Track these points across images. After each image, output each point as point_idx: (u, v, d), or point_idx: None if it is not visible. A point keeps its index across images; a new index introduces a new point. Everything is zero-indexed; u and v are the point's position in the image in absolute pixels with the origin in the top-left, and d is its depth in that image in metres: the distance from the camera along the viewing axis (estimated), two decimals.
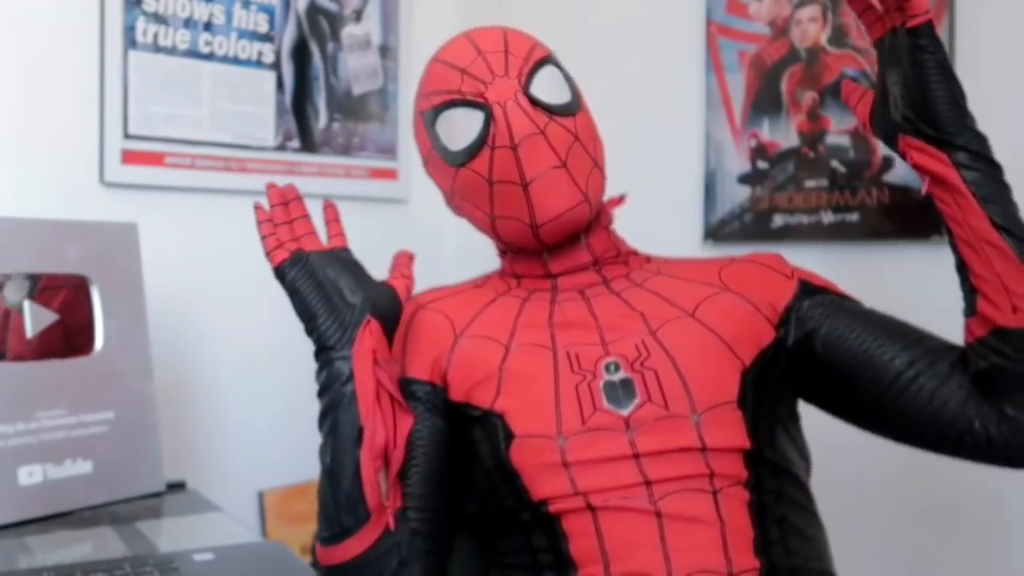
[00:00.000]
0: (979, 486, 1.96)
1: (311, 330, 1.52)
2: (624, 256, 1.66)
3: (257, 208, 1.55)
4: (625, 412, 1.43)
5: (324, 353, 1.51)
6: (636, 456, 1.40)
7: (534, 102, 1.52)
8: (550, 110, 1.53)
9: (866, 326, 1.51)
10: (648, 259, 1.70)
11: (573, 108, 1.56)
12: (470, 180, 1.57)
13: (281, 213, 1.56)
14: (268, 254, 1.52)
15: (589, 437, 1.42)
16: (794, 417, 1.59)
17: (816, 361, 1.52)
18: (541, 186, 1.50)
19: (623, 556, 1.38)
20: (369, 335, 1.46)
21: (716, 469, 1.40)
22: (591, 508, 1.40)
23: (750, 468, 1.43)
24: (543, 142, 1.49)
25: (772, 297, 1.56)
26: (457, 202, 1.66)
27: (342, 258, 1.58)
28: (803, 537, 1.46)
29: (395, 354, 1.62)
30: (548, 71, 1.57)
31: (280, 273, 1.51)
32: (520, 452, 1.44)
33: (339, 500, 1.43)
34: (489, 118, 1.52)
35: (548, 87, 1.56)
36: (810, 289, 1.57)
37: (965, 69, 2.00)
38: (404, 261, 1.66)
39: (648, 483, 1.39)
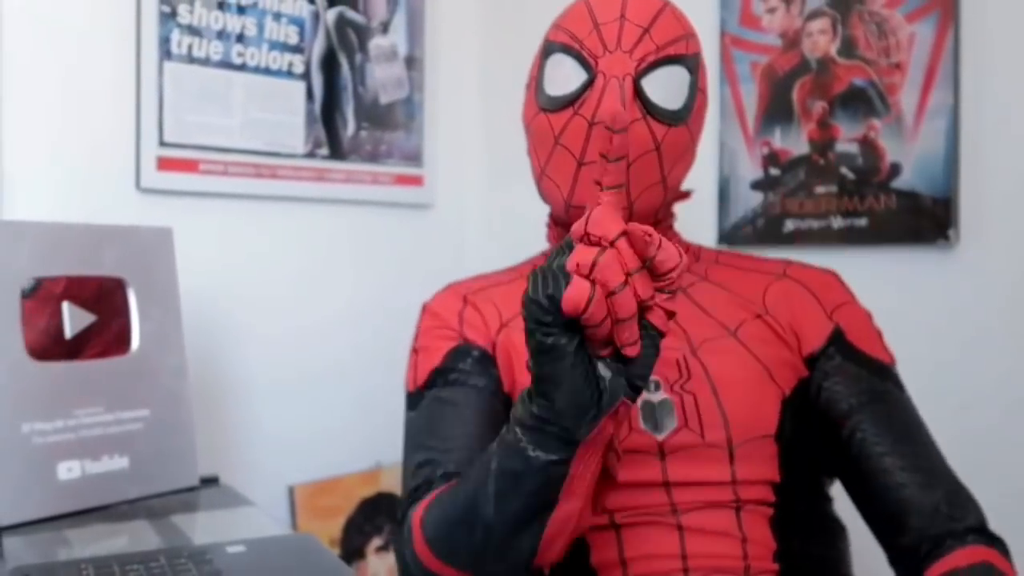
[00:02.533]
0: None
1: (549, 410, 1.11)
2: None
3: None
4: (660, 437, 1.39)
5: (542, 429, 1.14)
6: (666, 484, 1.37)
7: (638, 92, 1.43)
8: (650, 108, 1.43)
9: (892, 444, 1.40)
10: (699, 255, 1.63)
11: (676, 118, 1.45)
12: (543, 128, 1.51)
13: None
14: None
15: (622, 460, 1.39)
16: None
17: (821, 415, 1.46)
18: (591, 173, 1.42)
19: (642, 562, 1.36)
20: (612, 425, 1.15)
21: (743, 496, 1.37)
22: (615, 525, 1.39)
23: (778, 494, 1.40)
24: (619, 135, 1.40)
25: (804, 332, 1.49)
26: (528, 136, 1.59)
27: None
28: (825, 544, 1.44)
29: (449, 323, 1.60)
30: (675, 71, 1.46)
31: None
32: None
33: (493, 550, 1.25)
34: (589, 83, 1.44)
35: (665, 86, 1.45)
36: (845, 345, 1.47)
37: (969, 71, 1.99)
38: None
39: (674, 504, 1.37)
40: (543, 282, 1.04)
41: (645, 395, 1.41)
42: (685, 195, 1.62)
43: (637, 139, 1.42)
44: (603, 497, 1.28)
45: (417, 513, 1.39)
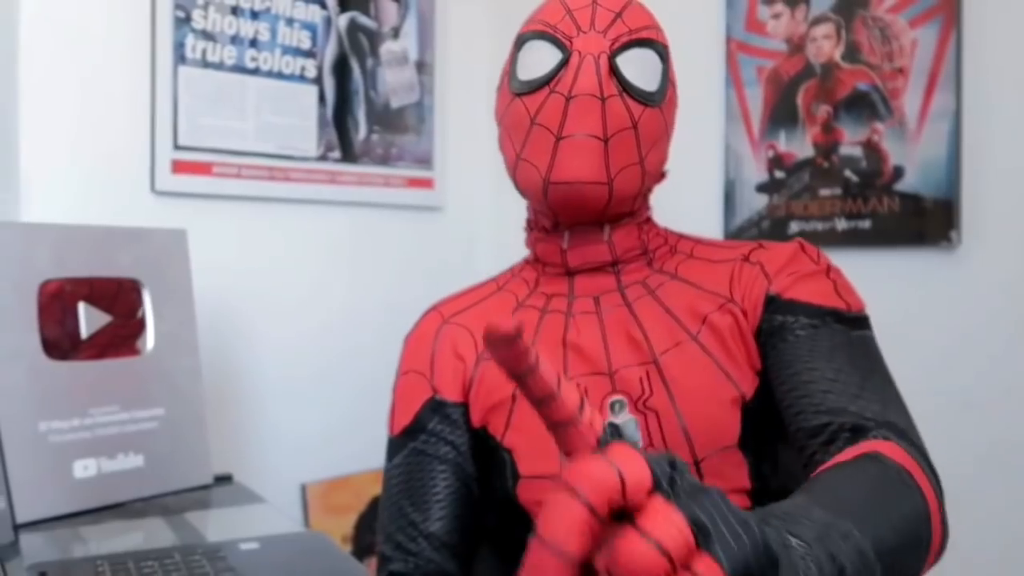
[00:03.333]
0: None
1: None
2: (650, 252, 1.51)
3: None
4: None
5: None
6: None
7: (614, 70, 1.39)
8: (626, 87, 1.38)
9: (815, 359, 1.31)
10: (675, 247, 1.55)
11: (651, 99, 1.41)
12: (518, 113, 1.45)
13: None
14: None
15: None
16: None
17: (766, 373, 1.38)
18: (571, 145, 1.37)
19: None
20: None
21: None
22: None
23: (753, 499, 1.37)
24: (598, 108, 1.36)
25: (751, 311, 1.41)
26: (501, 131, 1.53)
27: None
28: None
29: (422, 369, 1.57)
30: (648, 55, 1.42)
31: None
32: (527, 491, 1.41)
33: None
34: (564, 63, 1.40)
35: (640, 66, 1.41)
36: (780, 304, 1.39)
37: (971, 75, 2.00)
38: None
39: None
40: None
41: (610, 415, 1.39)
42: (661, 176, 1.54)
43: (615, 115, 1.38)
44: None
45: None
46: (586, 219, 1.45)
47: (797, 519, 0.82)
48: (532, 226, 1.56)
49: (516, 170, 1.48)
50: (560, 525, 0.62)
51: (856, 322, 1.37)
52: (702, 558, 0.61)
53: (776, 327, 1.37)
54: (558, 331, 1.48)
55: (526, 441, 1.42)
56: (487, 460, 1.50)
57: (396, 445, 1.56)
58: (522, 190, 1.49)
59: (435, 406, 1.54)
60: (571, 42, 1.40)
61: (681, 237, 1.58)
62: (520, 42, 1.48)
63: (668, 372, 1.39)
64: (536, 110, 1.42)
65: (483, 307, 1.60)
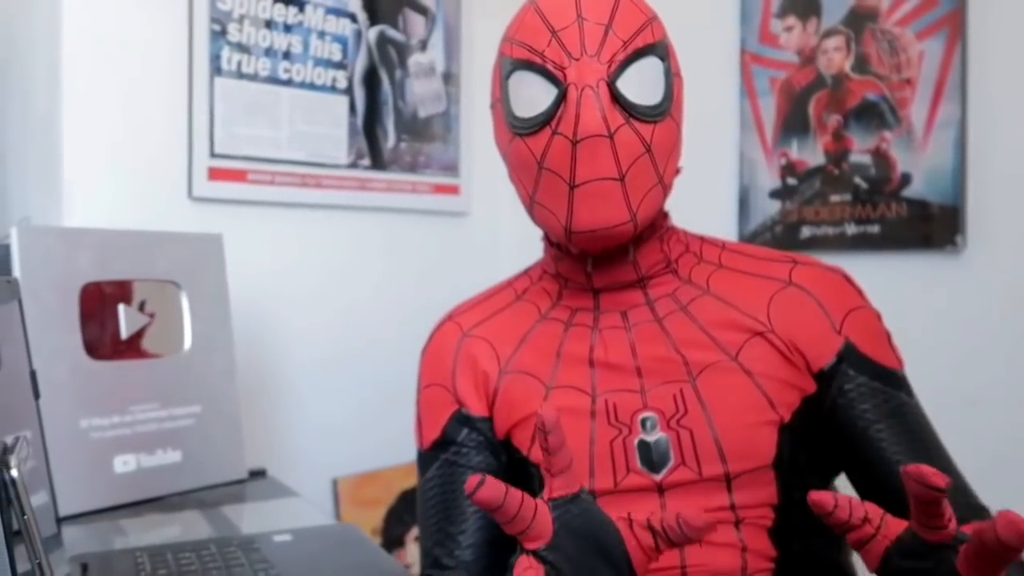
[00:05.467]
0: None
1: None
2: (673, 263, 1.42)
3: None
4: (658, 477, 1.31)
5: None
6: (662, 495, 1.32)
7: (616, 97, 1.26)
8: (632, 110, 1.27)
9: (898, 440, 1.30)
10: (701, 254, 1.46)
11: (660, 111, 1.30)
12: (522, 154, 1.33)
13: None
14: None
15: (621, 498, 1.33)
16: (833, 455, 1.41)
17: (837, 428, 1.34)
18: (588, 193, 1.27)
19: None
20: None
21: (743, 517, 1.31)
22: None
23: (778, 513, 1.33)
24: (607, 148, 1.25)
25: (810, 348, 1.35)
26: (508, 168, 1.42)
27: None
28: (826, 544, 1.37)
29: (443, 382, 1.51)
30: (648, 63, 1.30)
31: None
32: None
33: None
34: (562, 98, 1.26)
35: (641, 81, 1.29)
36: (855, 357, 1.34)
37: (976, 86, 1.99)
38: None
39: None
40: None
41: (642, 433, 1.33)
42: (676, 173, 1.43)
43: (627, 147, 1.27)
44: None
45: None
46: (614, 250, 1.37)
47: None
48: (552, 243, 1.47)
49: (532, 210, 1.38)
50: None
51: (907, 383, 1.37)
52: None
53: (853, 385, 1.33)
54: (584, 346, 1.41)
55: None
56: (514, 472, 1.46)
57: (427, 459, 1.52)
58: (541, 228, 1.40)
59: (462, 419, 1.48)
60: (564, 74, 1.27)
61: (704, 241, 1.49)
62: (507, 70, 1.35)
63: (704, 391, 1.33)
64: (541, 153, 1.31)
65: (502, 318, 1.53)
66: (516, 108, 1.33)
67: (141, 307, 1.86)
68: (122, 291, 1.84)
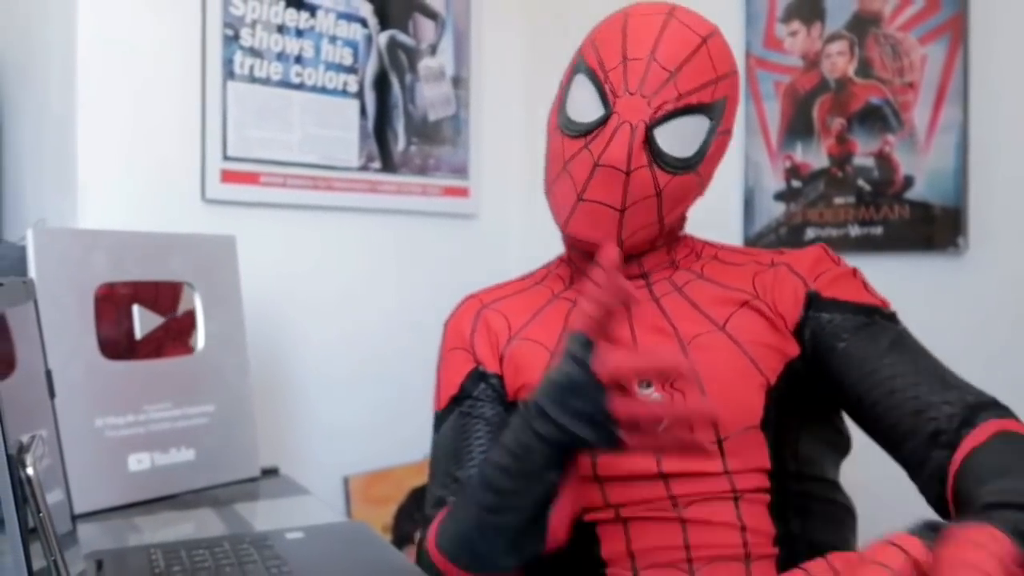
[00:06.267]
0: None
1: (577, 438, 1.19)
2: (677, 262, 1.52)
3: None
4: None
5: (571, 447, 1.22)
6: (663, 476, 1.35)
7: (648, 140, 1.34)
8: (658, 157, 1.35)
9: (881, 357, 1.31)
10: (700, 252, 1.54)
11: (685, 165, 1.37)
12: (556, 147, 1.44)
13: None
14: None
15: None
16: (823, 415, 1.45)
17: (818, 367, 1.38)
18: (588, 210, 1.38)
19: (648, 555, 1.35)
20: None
21: (739, 485, 1.34)
22: (622, 519, 1.37)
23: (773, 480, 1.36)
24: (620, 181, 1.34)
25: (787, 309, 1.41)
26: (546, 141, 1.50)
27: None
28: (826, 529, 1.40)
29: (464, 345, 1.59)
30: (694, 120, 1.36)
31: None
32: None
33: (499, 543, 1.28)
34: (603, 121, 1.35)
35: (679, 135, 1.36)
36: (822, 303, 1.39)
37: (978, 89, 1.99)
38: None
39: (673, 497, 1.35)
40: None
41: (638, 393, 1.38)
42: (682, 217, 1.55)
43: (638, 186, 1.35)
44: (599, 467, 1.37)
45: (431, 536, 1.40)
46: None
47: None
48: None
49: (548, 194, 1.49)
50: None
51: (894, 318, 1.39)
52: None
53: (825, 324, 1.37)
54: None
55: None
56: None
57: (442, 416, 1.58)
58: (551, 211, 1.49)
59: (479, 375, 1.55)
60: (615, 101, 1.35)
61: (706, 244, 1.57)
62: (577, 67, 1.44)
63: (695, 356, 1.38)
64: (569, 157, 1.40)
65: (519, 298, 1.62)
66: (569, 106, 1.42)
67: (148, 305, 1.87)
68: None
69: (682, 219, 1.54)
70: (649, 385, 1.39)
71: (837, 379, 1.35)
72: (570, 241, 1.52)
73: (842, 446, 1.50)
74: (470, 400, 1.54)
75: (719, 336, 1.40)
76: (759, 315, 1.41)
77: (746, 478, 1.34)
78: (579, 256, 1.55)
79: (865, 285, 1.43)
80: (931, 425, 1.21)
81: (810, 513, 1.38)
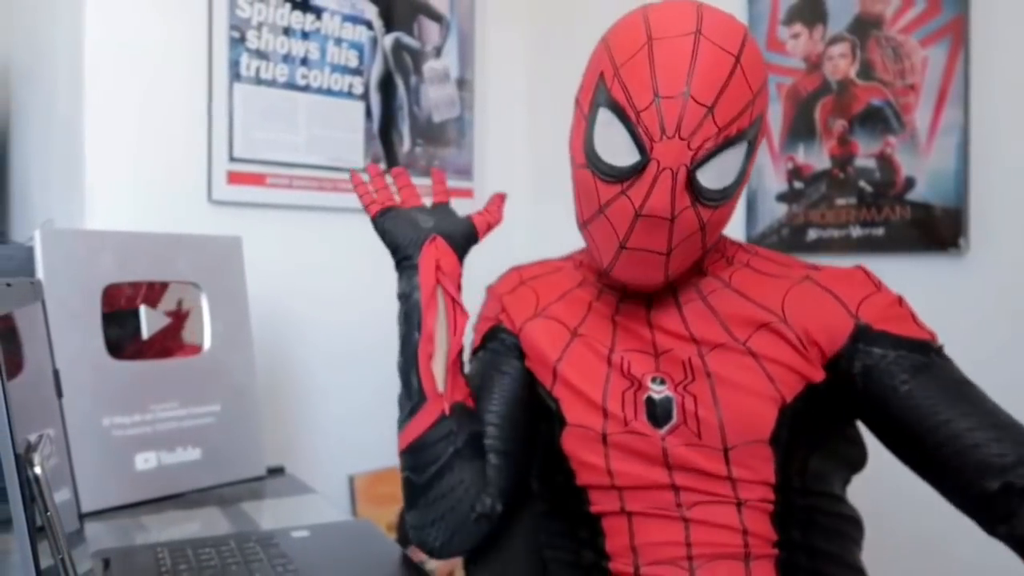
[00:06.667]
0: None
1: (395, 252, 1.50)
2: (705, 268, 1.47)
3: (352, 174, 1.60)
4: (662, 431, 1.35)
5: (401, 264, 1.49)
6: (668, 465, 1.35)
7: (691, 182, 1.25)
8: (700, 195, 1.27)
9: (947, 402, 1.28)
10: (731, 258, 1.49)
11: (726, 195, 1.29)
12: (587, 186, 1.34)
13: (377, 180, 1.57)
14: (365, 208, 1.54)
15: (629, 438, 1.37)
16: (835, 433, 1.42)
17: (872, 403, 1.33)
18: (634, 258, 1.32)
19: (650, 551, 1.36)
20: (434, 248, 1.47)
21: (743, 495, 1.33)
22: (627, 513, 1.38)
23: (777, 493, 1.34)
24: (666, 228, 1.27)
25: (824, 338, 1.35)
26: (573, 173, 1.41)
27: (436, 207, 1.58)
28: (828, 538, 1.38)
29: (496, 316, 1.62)
30: (734, 152, 1.28)
31: (376, 222, 1.52)
32: (570, 439, 1.41)
33: (407, 386, 1.45)
34: (641, 168, 1.25)
35: (721, 169, 1.28)
36: (872, 336, 1.33)
37: (978, 91, 1.99)
38: (495, 201, 1.62)
39: (676, 488, 1.35)
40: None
41: (651, 389, 1.38)
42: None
43: (683, 227, 1.28)
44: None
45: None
46: None
47: None
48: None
49: (583, 231, 1.41)
50: None
51: (942, 352, 1.36)
52: None
53: (879, 360, 1.32)
54: (610, 308, 1.49)
55: (572, 395, 1.43)
56: (537, 405, 1.51)
57: (470, 361, 1.62)
58: (588, 246, 1.43)
59: (502, 328, 1.59)
60: (652, 147, 1.24)
61: (740, 248, 1.51)
62: (602, 99, 1.31)
63: (712, 365, 1.36)
64: (606, 202, 1.31)
65: (552, 278, 1.62)
66: (598, 143, 1.32)
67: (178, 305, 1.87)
68: (159, 288, 1.85)
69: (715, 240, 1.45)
70: (662, 383, 1.38)
71: (896, 418, 1.31)
72: (615, 283, 1.50)
73: (857, 460, 1.48)
74: (494, 343, 1.58)
75: (738, 348, 1.37)
76: (781, 339, 1.36)
77: (750, 488, 1.33)
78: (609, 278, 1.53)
79: (914, 316, 1.38)
80: (998, 477, 1.22)
81: (813, 524, 1.37)
